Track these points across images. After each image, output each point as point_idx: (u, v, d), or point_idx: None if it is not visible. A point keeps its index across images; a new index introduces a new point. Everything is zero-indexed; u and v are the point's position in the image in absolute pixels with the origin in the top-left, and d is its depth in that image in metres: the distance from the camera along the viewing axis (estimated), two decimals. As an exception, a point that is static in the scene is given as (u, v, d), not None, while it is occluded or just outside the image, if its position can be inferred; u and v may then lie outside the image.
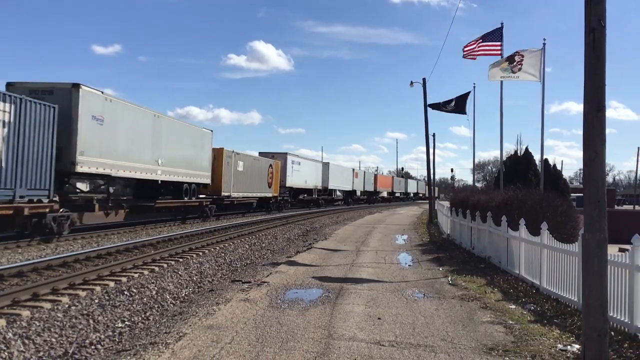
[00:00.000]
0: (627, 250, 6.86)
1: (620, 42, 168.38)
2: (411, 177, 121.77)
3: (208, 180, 28.24)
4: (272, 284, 10.13)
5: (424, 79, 33.00)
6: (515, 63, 17.59)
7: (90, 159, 17.58)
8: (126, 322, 8.15)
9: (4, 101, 14.06)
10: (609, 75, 5.55)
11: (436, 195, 54.27)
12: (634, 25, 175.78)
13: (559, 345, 6.29)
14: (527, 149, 25.58)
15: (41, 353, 6.55)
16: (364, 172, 75.27)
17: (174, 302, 9.79)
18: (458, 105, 23.88)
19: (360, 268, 12.56)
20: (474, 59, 20.32)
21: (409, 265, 13.44)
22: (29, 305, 8.18)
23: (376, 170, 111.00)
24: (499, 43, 19.67)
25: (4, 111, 14.05)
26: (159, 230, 21.43)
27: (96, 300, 8.93)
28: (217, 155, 29.67)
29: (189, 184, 26.08)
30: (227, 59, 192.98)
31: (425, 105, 33.04)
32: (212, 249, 16.14)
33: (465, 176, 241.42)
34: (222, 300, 8.78)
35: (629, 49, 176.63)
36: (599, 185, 5.46)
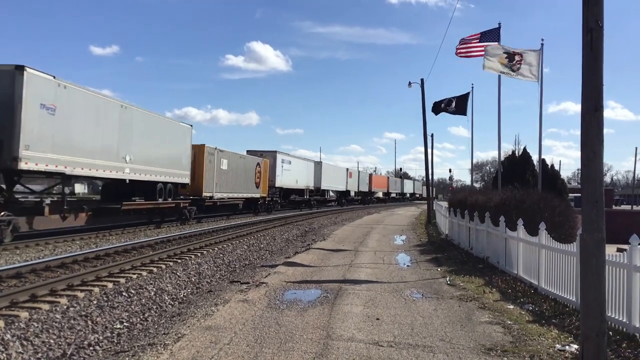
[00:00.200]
0: (625, 250, 6.87)
1: (618, 43, 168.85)
2: (409, 178, 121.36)
3: (187, 180, 25.94)
4: (271, 285, 10.13)
5: (422, 80, 33.12)
6: (514, 62, 17.63)
7: (39, 154, 15.34)
8: (124, 323, 8.14)
9: None
10: (606, 76, 5.57)
11: (434, 195, 53.92)
12: (632, 26, 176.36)
13: (557, 345, 6.30)
14: (524, 149, 25.61)
15: (39, 354, 6.54)
16: (359, 171, 73.42)
17: (172, 303, 9.78)
18: (459, 106, 23.94)
19: (359, 268, 12.56)
20: (468, 57, 20.36)
21: (408, 266, 13.45)
22: (27, 307, 8.17)
23: (374, 171, 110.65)
24: (496, 43, 19.69)
25: None
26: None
27: (94, 302, 8.93)
28: (198, 152, 27.46)
29: (164, 183, 23.69)
30: (224, 59, 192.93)
31: (424, 106, 33.13)
32: (211, 250, 16.15)
33: (463, 176, 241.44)
34: (220, 301, 8.78)
35: (627, 49, 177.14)
36: (596, 185, 5.47)
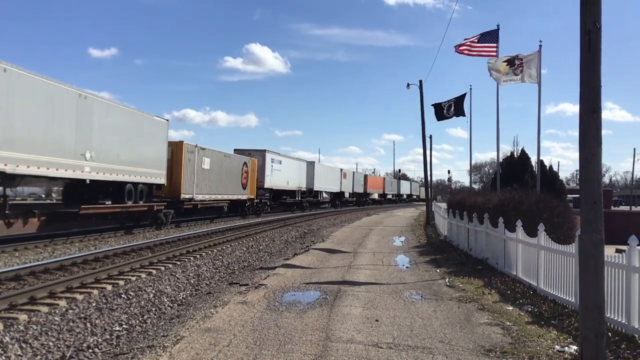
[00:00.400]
0: (624, 251, 6.88)
1: (616, 44, 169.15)
2: (407, 179, 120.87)
3: (163, 180, 23.40)
4: (270, 287, 10.12)
5: (420, 81, 33.14)
6: (515, 66, 17.78)
7: None
8: (123, 326, 8.13)
9: None
10: (604, 77, 5.58)
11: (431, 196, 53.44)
12: (629, 27, 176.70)
13: (556, 346, 6.30)
14: (523, 150, 25.70)
15: (38, 357, 6.53)
16: (353, 172, 70.53)
17: (171, 305, 9.77)
18: (457, 108, 24.04)
19: (358, 270, 12.56)
20: (467, 55, 20.54)
21: (407, 267, 13.45)
22: (26, 309, 8.17)
23: (373, 172, 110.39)
24: (494, 45, 19.83)
25: None
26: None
27: (93, 304, 8.92)
28: (176, 150, 25.09)
29: (134, 184, 21.09)
30: (223, 61, 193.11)
31: (422, 107, 33.17)
32: (210, 252, 16.14)
33: (461, 178, 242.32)
34: (219, 303, 8.77)
35: (625, 50, 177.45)
36: (595, 186, 5.48)
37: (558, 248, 8.83)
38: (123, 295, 9.67)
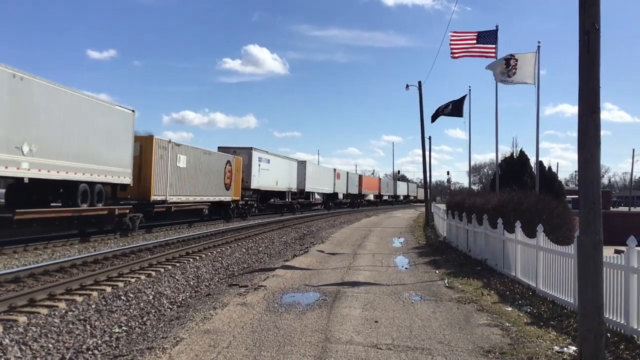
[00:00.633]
0: (623, 251, 6.90)
1: (615, 44, 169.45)
2: (406, 180, 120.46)
3: (128, 180, 20.50)
4: (269, 288, 10.13)
5: (419, 82, 33.20)
6: (510, 67, 17.74)
7: None
8: (123, 327, 8.13)
9: None
10: (603, 77, 5.60)
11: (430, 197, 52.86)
12: (628, 28, 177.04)
13: (555, 347, 6.31)
14: (522, 151, 25.72)
15: (38, 359, 6.54)
16: (347, 172, 66.94)
17: (171, 306, 9.77)
18: (455, 108, 24.06)
19: (357, 271, 12.57)
20: (465, 57, 20.55)
21: (406, 268, 13.46)
22: (25, 311, 8.17)
23: (372, 173, 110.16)
24: (493, 46, 19.87)
25: None
26: None
27: (93, 306, 8.92)
28: (145, 145, 22.14)
29: (91, 184, 18.16)
30: (222, 63, 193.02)
31: (422, 108, 33.24)
32: (209, 253, 16.14)
33: (461, 179, 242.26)
34: (219, 304, 8.77)
35: (624, 50, 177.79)
36: (594, 187, 5.49)
37: (557, 249, 8.84)
38: (122, 297, 9.67)
